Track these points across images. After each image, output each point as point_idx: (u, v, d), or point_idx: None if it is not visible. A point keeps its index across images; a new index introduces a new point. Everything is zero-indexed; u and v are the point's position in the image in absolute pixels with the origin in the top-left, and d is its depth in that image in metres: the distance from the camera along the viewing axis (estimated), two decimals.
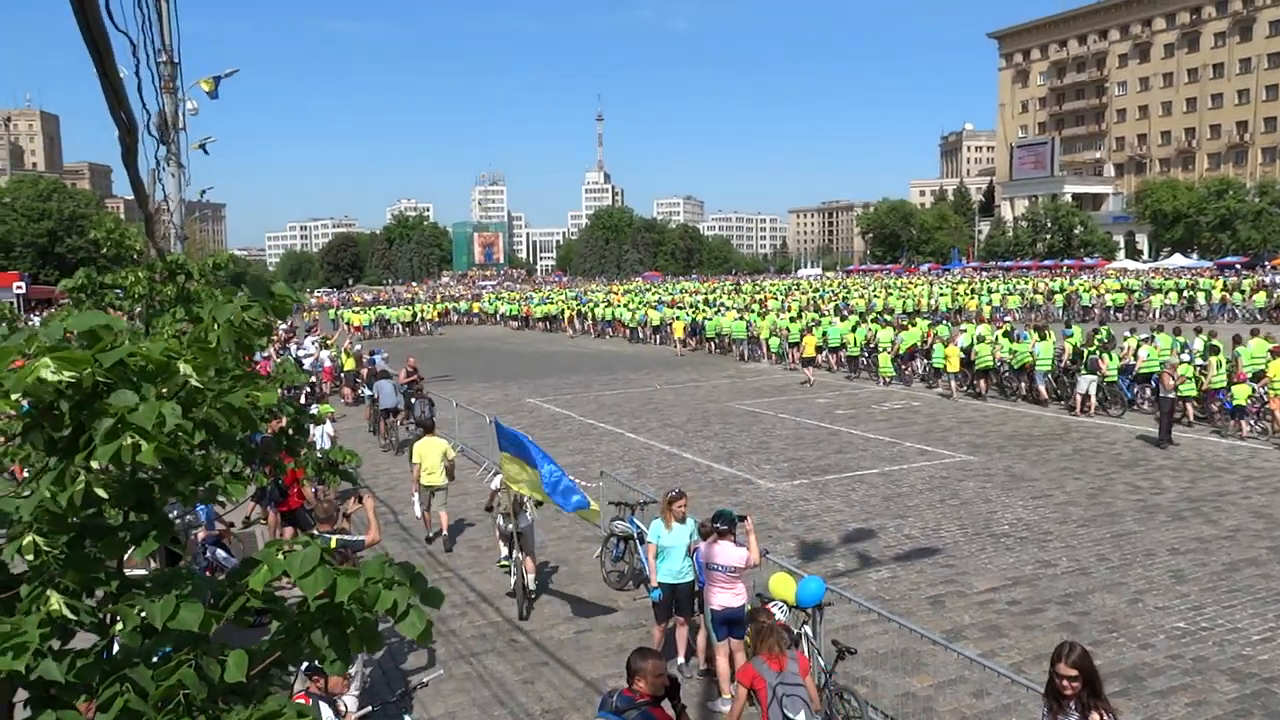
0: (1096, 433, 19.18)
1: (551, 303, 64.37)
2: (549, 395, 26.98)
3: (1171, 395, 17.59)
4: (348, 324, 53.20)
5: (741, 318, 38.86)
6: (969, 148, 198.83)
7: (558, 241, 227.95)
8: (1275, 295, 44.42)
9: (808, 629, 7.53)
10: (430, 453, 12.99)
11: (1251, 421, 18.36)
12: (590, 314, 53.45)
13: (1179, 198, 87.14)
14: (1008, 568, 11.08)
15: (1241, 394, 18.05)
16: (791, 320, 33.91)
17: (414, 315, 60.17)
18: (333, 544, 8.30)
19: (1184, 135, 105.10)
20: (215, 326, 2.36)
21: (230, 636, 2.28)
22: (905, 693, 8.05)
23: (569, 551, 12.37)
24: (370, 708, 7.40)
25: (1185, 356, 20.46)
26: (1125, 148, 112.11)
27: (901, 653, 8.75)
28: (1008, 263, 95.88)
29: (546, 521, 13.76)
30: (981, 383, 24.15)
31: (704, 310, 45.14)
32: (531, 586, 10.42)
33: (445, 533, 12.97)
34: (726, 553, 7.88)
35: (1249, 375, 19.01)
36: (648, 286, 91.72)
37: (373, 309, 63.67)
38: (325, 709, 5.44)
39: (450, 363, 36.32)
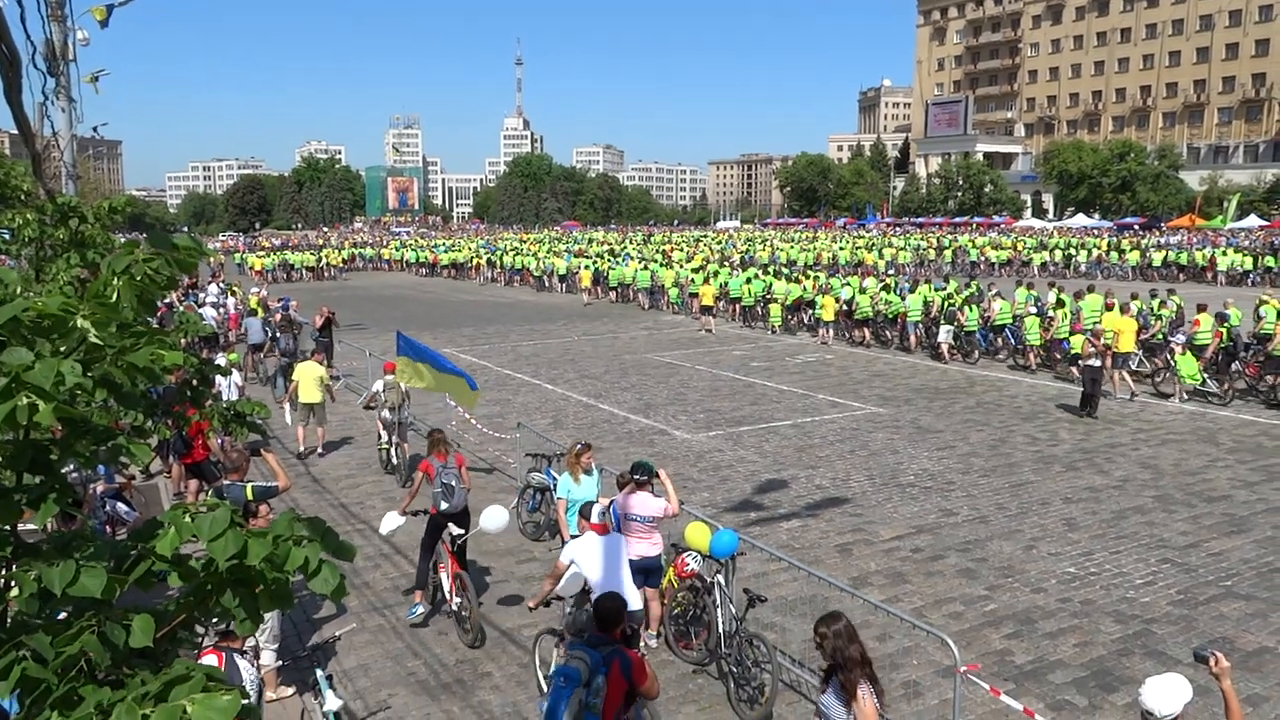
0: (999, 386, 19.92)
1: (459, 250, 63.49)
2: (465, 345, 26.69)
3: (1094, 363, 16.81)
4: (251, 269, 51.64)
5: (646, 268, 39.28)
6: (887, 104, 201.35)
7: (475, 189, 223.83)
8: (1147, 255, 47.12)
9: (720, 578, 7.70)
10: (307, 375, 14.75)
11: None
12: (499, 262, 52.89)
13: (1084, 159, 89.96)
14: (912, 516, 11.49)
15: (1077, 343, 19.13)
16: (695, 271, 35.07)
17: (319, 261, 58.47)
18: (249, 492, 8.12)
19: (1091, 98, 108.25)
20: (115, 280, 2.25)
21: (133, 596, 2.22)
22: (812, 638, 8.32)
23: (484, 503, 12.27)
24: (281, 662, 7.33)
25: (1034, 309, 22.34)
26: (1036, 108, 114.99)
27: (810, 599, 9.04)
28: (920, 219, 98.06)
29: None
30: (861, 332, 25.80)
31: (608, 260, 45.24)
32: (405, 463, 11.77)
33: (320, 449, 14.50)
34: (645, 503, 7.97)
35: (1087, 326, 20.31)
36: (557, 235, 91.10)
37: (277, 254, 61.66)
38: (242, 664, 5.36)
39: (363, 311, 35.56)
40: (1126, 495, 12.28)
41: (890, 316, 25.32)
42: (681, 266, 39.16)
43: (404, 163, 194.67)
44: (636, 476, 8.06)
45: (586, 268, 41.75)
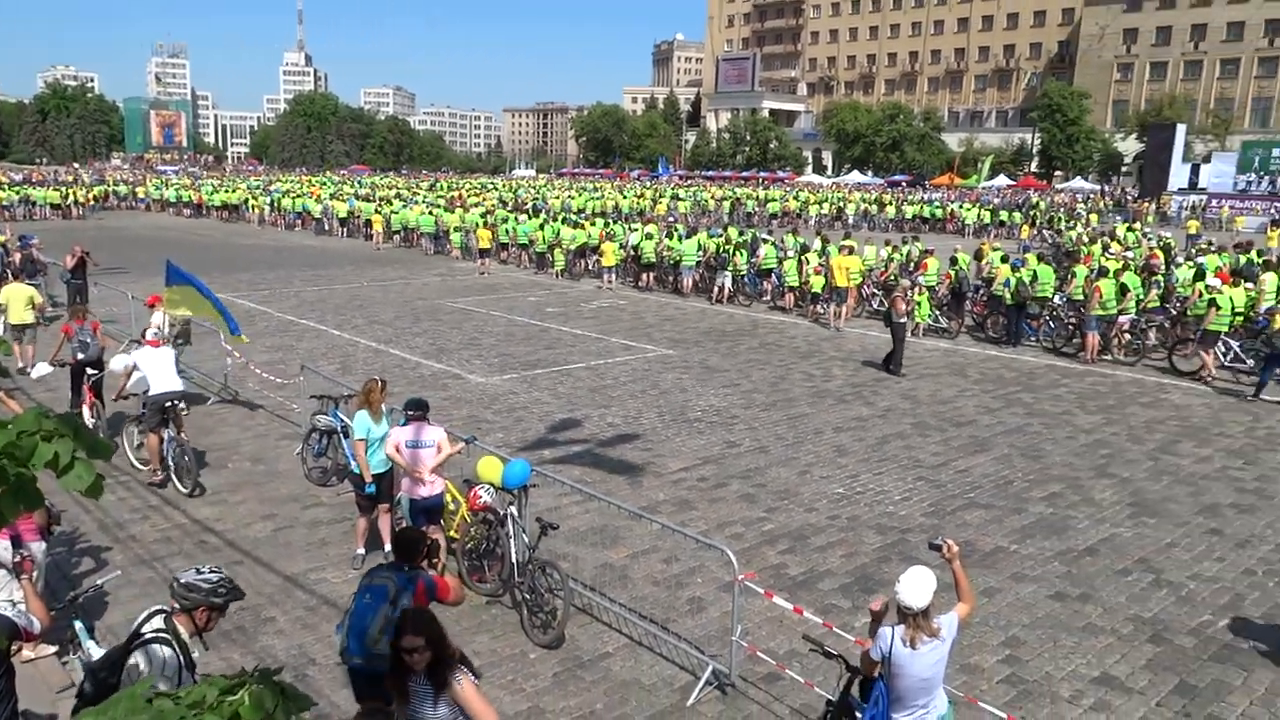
0: (780, 328, 21.03)
1: (231, 190, 59.33)
2: (243, 291, 25.08)
3: (903, 320, 16.79)
4: None
5: (429, 213, 38.52)
6: (680, 58, 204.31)
7: (252, 127, 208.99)
8: (902, 209, 53.09)
9: (513, 509, 7.76)
10: (16, 297, 14.96)
11: (824, 306, 21.87)
12: (277, 205, 49.89)
13: (859, 119, 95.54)
14: (699, 449, 12.01)
15: (817, 284, 21.81)
16: (483, 216, 35.19)
17: (65, 198, 52.53)
18: None
19: (866, 61, 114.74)
20: None
21: None
22: (604, 564, 8.59)
23: (266, 449, 11.79)
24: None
25: (790, 253, 24.34)
26: (817, 69, 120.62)
27: (601, 529, 9.31)
28: (710, 172, 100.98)
29: (241, 420, 13.02)
30: (646, 277, 26.76)
31: (393, 205, 43.91)
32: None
33: (32, 365, 13.66)
34: (429, 431, 7.95)
35: (822, 269, 22.35)
36: (341, 179, 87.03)
37: (17, 189, 54.92)
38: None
39: (123, 254, 32.53)
40: (889, 423, 13.38)
41: (673, 262, 26.31)
42: (469, 212, 38.74)
43: (169, 95, 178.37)
44: (411, 412, 8.01)
45: (378, 212, 40.24)
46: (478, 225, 32.81)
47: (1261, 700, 6.65)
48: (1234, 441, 12.91)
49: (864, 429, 13.07)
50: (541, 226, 31.88)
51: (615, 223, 36.37)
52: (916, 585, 4.70)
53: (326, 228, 44.20)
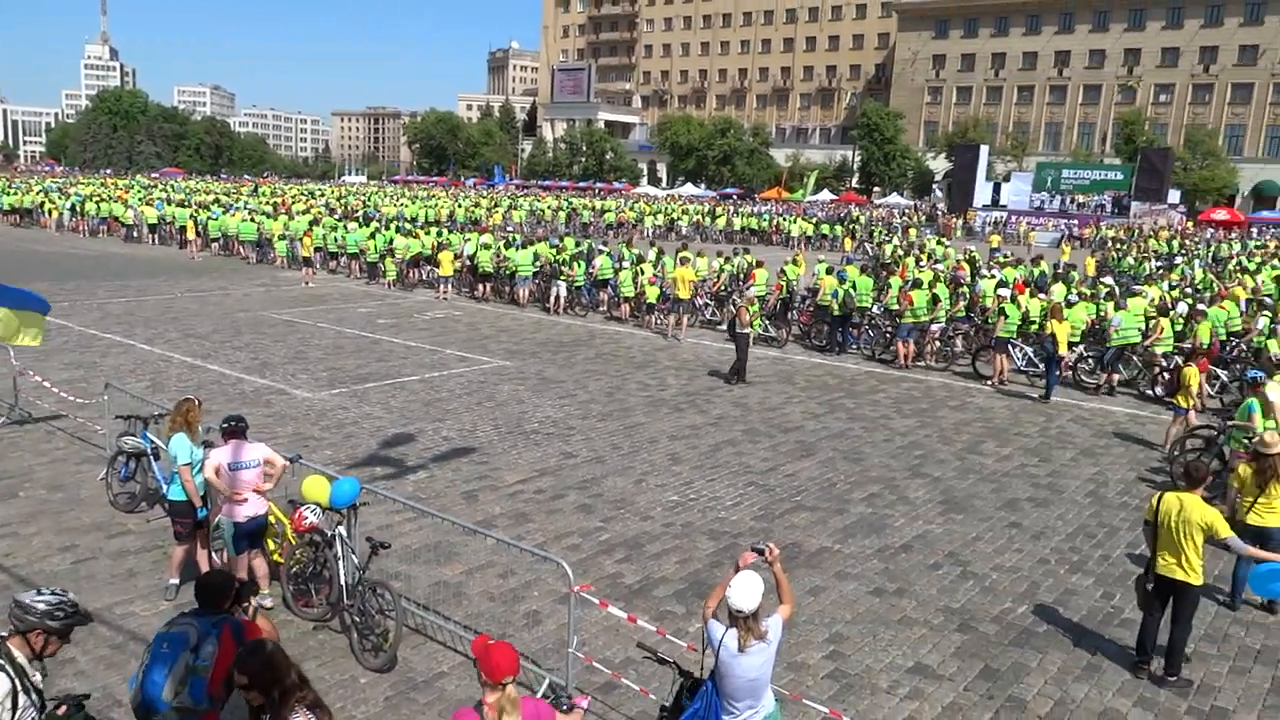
0: (617, 338, 21.26)
1: (24, 192, 54.62)
2: None
3: (746, 331, 17.07)
4: None
5: (251, 220, 36.82)
6: (515, 66, 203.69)
7: (49, 124, 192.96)
8: (731, 221, 55.67)
9: (342, 529, 7.49)
10: None
11: (660, 316, 22.32)
12: (79, 209, 46.20)
13: (692, 132, 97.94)
14: (536, 461, 11.97)
15: (653, 294, 22.17)
16: (311, 224, 34.07)
17: None
18: None
19: (699, 76, 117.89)
20: None
21: None
22: (438, 582, 8.41)
23: (65, 475, 10.88)
24: None
25: (626, 264, 24.79)
26: (651, 81, 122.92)
27: (435, 546, 9.12)
28: (547, 181, 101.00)
29: (35, 444, 11.99)
30: (482, 287, 26.58)
31: (209, 210, 41.62)
32: None
33: None
34: (252, 449, 7.57)
35: (657, 279, 22.94)
36: (150, 183, 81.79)
37: None
38: None
39: None
40: (721, 430, 13.77)
41: (509, 273, 26.12)
42: (294, 219, 37.19)
43: None
44: (227, 425, 7.60)
45: (193, 218, 37.84)
46: (303, 233, 31.57)
47: (1054, 679, 7.24)
48: (1030, 441, 14.02)
49: (697, 437, 13.39)
50: (373, 235, 30.99)
51: (450, 232, 35.77)
52: (746, 589, 4.84)
53: (136, 235, 41.35)
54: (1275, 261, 36.37)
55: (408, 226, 36.71)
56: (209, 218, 38.09)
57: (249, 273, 31.53)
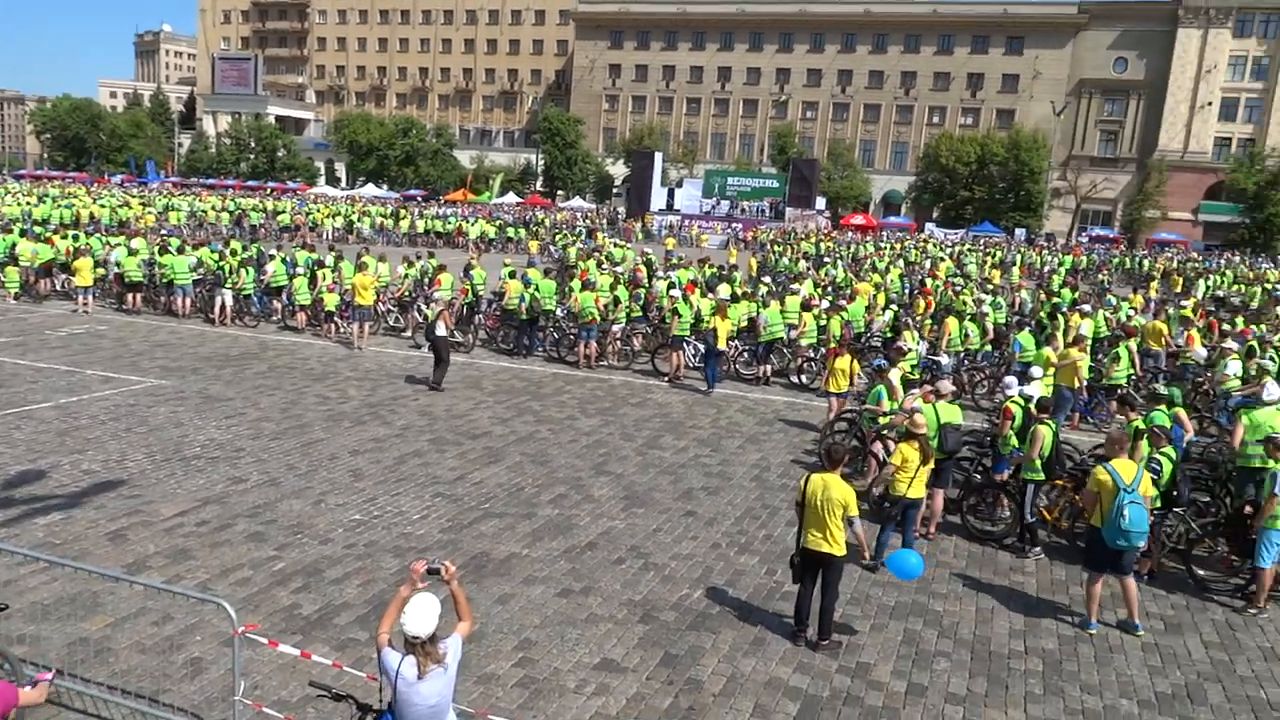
0: (293, 349, 19.98)
1: None
2: None
3: (443, 335, 16.77)
4: None
5: None
6: (169, 52, 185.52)
7: None
8: (415, 224, 54.43)
9: None
10: None
11: (340, 324, 21.42)
12: None
13: (372, 131, 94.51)
14: (198, 489, 10.91)
15: (331, 301, 21.43)
16: None
17: None
18: None
19: (377, 73, 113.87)
20: None
21: None
22: (77, 639, 7.39)
23: None
24: None
25: (302, 270, 22.96)
26: (326, 76, 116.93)
27: (73, 598, 8.02)
28: (211, 180, 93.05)
29: None
30: (133, 298, 23.83)
31: None
32: None
33: None
34: None
35: (336, 285, 22.18)
36: None
37: None
38: None
39: None
40: (406, 441, 13.37)
41: (166, 282, 23.64)
42: None
43: None
44: None
45: None
46: None
47: (726, 657, 7.76)
48: (703, 432, 14.99)
49: (381, 450, 12.90)
50: None
51: (91, 236, 31.71)
52: (422, 613, 4.69)
53: None
54: (900, 261, 42.07)
55: (36, 230, 32.12)
56: None
57: None
